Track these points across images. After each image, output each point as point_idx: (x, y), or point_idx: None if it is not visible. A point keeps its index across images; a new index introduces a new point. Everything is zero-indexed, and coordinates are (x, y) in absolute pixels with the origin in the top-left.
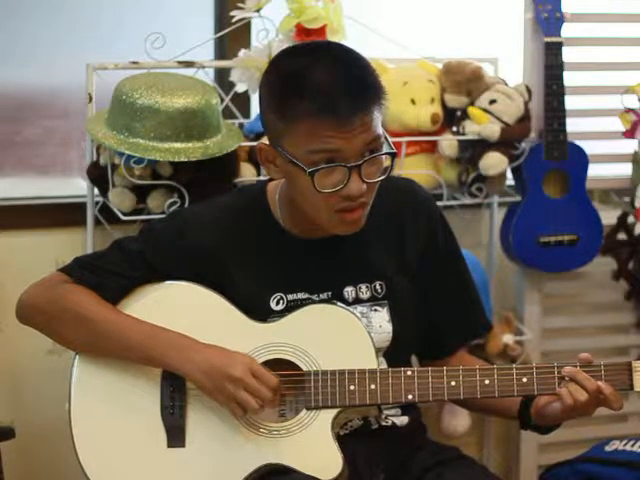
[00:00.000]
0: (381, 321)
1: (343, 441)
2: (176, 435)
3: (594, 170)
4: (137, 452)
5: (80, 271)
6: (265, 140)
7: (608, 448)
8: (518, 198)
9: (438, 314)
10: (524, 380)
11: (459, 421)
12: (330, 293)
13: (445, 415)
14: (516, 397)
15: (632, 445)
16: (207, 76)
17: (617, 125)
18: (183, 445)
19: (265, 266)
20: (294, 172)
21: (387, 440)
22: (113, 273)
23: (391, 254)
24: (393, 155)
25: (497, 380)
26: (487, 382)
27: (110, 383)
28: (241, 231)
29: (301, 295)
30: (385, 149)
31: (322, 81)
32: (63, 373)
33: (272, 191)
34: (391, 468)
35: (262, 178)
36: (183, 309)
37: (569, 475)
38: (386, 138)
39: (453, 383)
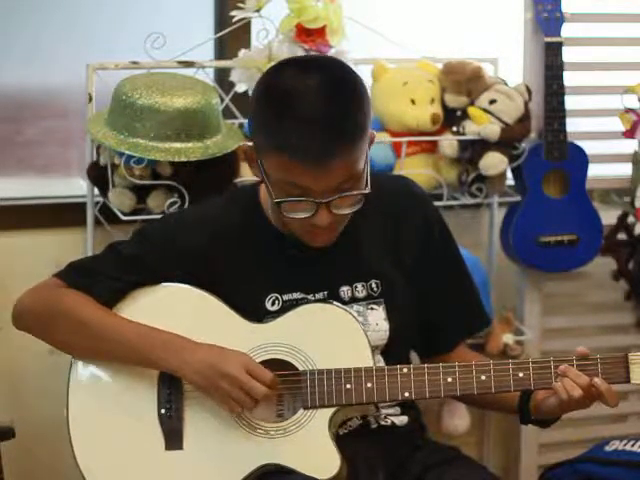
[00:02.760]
0: (378, 319)
1: (342, 441)
2: (174, 437)
3: (594, 170)
4: (135, 455)
5: (74, 275)
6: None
7: (608, 448)
8: (518, 198)
9: (437, 310)
10: (520, 375)
11: (459, 421)
12: (326, 292)
13: (445, 415)
14: (514, 392)
15: (632, 445)
16: (207, 76)
17: (617, 125)
18: (181, 447)
19: (260, 266)
20: (266, 184)
21: (386, 440)
22: (108, 276)
23: (387, 252)
24: (366, 195)
25: (494, 376)
26: (484, 378)
27: (107, 386)
28: (235, 232)
29: (296, 295)
30: (363, 182)
31: (304, 117)
32: (63, 373)
33: (264, 192)
34: (390, 468)
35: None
36: (178, 311)
37: (569, 475)
38: (365, 171)
39: (449, 380)
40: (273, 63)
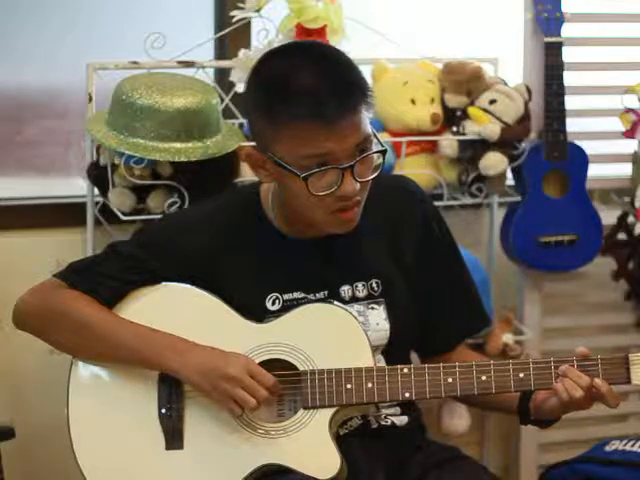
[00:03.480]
0: (378, 319)
1: (343, 441)
2: (174, 437)
3: (594, 170)
4: (135, 455)
5: (75, 276)
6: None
7: (608, 448)
8: (518, 198)
9: (437, 310)
10: (521, 376)
11: (459, 421)
12: (326, 292)
13: (445, 415)
14: (514, 393)
15: (632, 445)
16: (207, 76)
17: (617, 125)
18: (181, 447)
19: (260, 266)
20: (286, 176)
21: (387, 440)
22: (108, 277)
23: (387, 252)
24: (384, 152)
25: (494, 376)
26: (484, 378)
27: (107, 386)
28: (235, 232)
29: (297, 295)
30: (375, 147)
31: (307, 84)
32: (63, 373)
33: (265, 191)
34: (391, 468)
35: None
36: (179, 311)
37: (569, 475)
38: (375, 136)
39: (450, 380)
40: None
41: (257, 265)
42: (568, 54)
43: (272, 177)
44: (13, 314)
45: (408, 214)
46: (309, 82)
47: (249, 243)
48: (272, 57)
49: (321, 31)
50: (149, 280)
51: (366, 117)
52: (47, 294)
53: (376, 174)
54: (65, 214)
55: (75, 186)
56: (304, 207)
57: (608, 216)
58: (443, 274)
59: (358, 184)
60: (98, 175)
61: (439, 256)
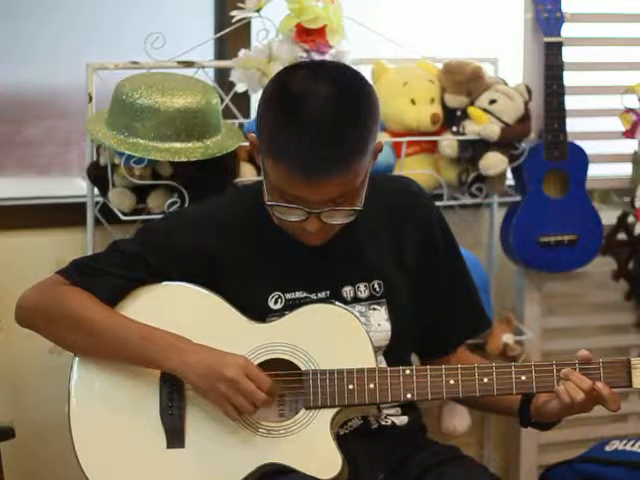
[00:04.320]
0: (380, 320)
1: (343, 441)
2: (175, 436)
3: (594, 170)
4: (136, 453)
5: (77, 273)
6: None
7: (608, 448)
8: (518, 198)
9: (438, 312)
10: (523, 378)
11: (459, 421)
12: (328, 292)
13: (445, 415)
14: (515, 395)
15: (632, 445)
16: (207, 76)
17: (617, 125)
18: (182, 446)
19: (263, 265)
20: (263, 181)
21: (387, 440)
22: (110, 274)
23: (389, 253)
24: (356, 211)
25: (496, 378)
26: (486, 380)
27: (109, 384)
28: (238, 230)
29: (299, 294)
30: (358, 197)
31: (303, 132)
32: (63, 373)
33: None
34: (391, 468)
35: (261, 178)
36: (181, 310)
37: (569, 475)
38: (362, 186)
39: (452, 382)
40: (273, 63)
41: (260, 264)
42: (568, 54)
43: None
44: (15, 310)
45: (411, 216)
46: (308, 130)
47: (251, 242)
48: (297, 76)
49: (321, 31)
50: (151, 278)
51: (361, 167)
52: (49, 291)
53: (349, 220)
54: (65, 214)
55: (75, 186)
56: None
57: (608, 216)
58: (445, 276)
59: (323, 224)
60: (98, 175)
61: (441, 258)
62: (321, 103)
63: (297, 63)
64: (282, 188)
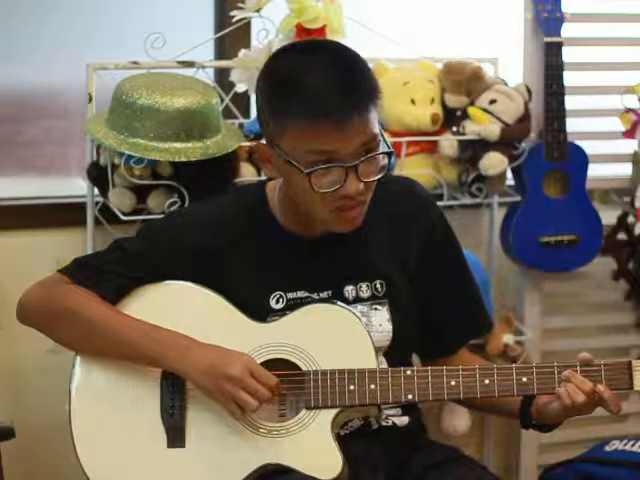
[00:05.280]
0: (381, 320)
1: (343, 441)
2: (176, 435)
3: (594, 170)
4: (137, 452)
5: (79, 272)
6: (263, 140)
7: (608, 448)
8: (518, 198)
9: (439, 313)
10: (524, 380)
11: (459, 421)
12: (330, 292)
13: (445, 415)
14: (516, 397)
15: (632, 445)
16: (207, 76)
17: (617, 125)
18: (183, 445)
19: (265, 264)
20: (290, 171)
21: (387, 440)
22: (112, 273)
23: (391, 253)
24: (390, 154)
25: (497, 380)
26: (487, 382)
27: (110, 383)
28: (240, 230)
29: (301, 294)
30: (382, 148)
31: (317, 82)
32: (63, 373)
33: (271, 190)
34: (391, 468)
35: (262, 178)
36: (182, 309)
37: (569, 475)
38: (382, 136)
39: (453, 383)
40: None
41: (261, 263)
42: (568, 54)
43: (277, 172)
44: (17, 309)
45: (414, 216)
46: (318, 80)
47: (253, 241)
48: (286, 52)
49: (321, 31)
50: (153, 277)
51: (374, 117)
52: (51, 289)
53: (381, 175)
54: (65, 214)
55: (75, 186)
56: (307, 204)
57: (608, 216)
58: (447, 277)
59: (362, 184)
60: (98, 175)
61: (443, 259)
62: (324, 61)
63: (282, 46)
64: (312, 150)
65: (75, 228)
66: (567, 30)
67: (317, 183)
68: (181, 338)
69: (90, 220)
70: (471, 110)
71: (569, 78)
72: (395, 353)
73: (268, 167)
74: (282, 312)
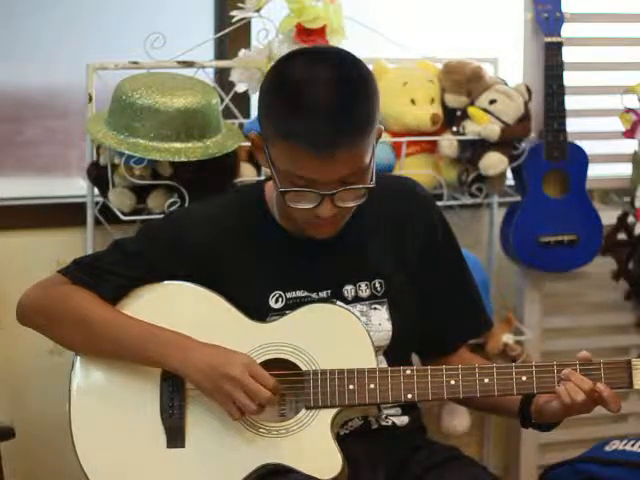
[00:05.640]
0: (381, 319)
1: (343, 441)
2: (176, 435)
3: (594, 170)
4: (137, 452)
5: (79, 272)
6: None
7: (608, 448)
8: (518, 198)
9: (439, 313)
10: (523, 379)
11: (459, 421)
12: (330, 291)
13: (445, 415)
14: (515, 396)
15: (632, 445)
16: (207, 76)
17: (617, 125)
18: (183, 445)
19: (264, 264)
20: (272, 172)
21: (387, 440)
22: (112, 273)
23: (390, 253)
24: (370, 189)
25: (496, 379)
26: (486, 381)
27: (110, 384)
28: (239, 229)
29: (300, 293)
30: (368, 176)
31: (310, 108)
32: (63, 373)
33: (270, 190)
34: (391, 468)
35: (262, 178)
36: (182, 309)
37: (569, 475)
38: (371, 167)
39: (452, 382)
40: (273, 63)
41: (261, 263)
42: (568, 54)
43: (265, 165)
44: (17, 310)
45: (413, 216)
46: (315, 106)
47: (252, 241)
48: (297, 58)
49: (321, 31)
50: (152, 277)
51: (365, 148)
52: (50, 290)
53: (359, 202)
54: (65, 214)
55: (75, 186)
56: (283, 207)
57: (608, 216)
58: (446, 276)
59: (337, 208)
60: (98, 175)
61: (442, 259)
62: (324, 83)
63: (294, 50)
64: (293, 172)
65: (75, 228)
66: (567, 30)
67: (291, 199)
68: (180, 338)
69: (90, 220)
70: (471, 110)
71: (569, 78)
72: (394, 353)
73: (261, 157)
74: (281, 312)
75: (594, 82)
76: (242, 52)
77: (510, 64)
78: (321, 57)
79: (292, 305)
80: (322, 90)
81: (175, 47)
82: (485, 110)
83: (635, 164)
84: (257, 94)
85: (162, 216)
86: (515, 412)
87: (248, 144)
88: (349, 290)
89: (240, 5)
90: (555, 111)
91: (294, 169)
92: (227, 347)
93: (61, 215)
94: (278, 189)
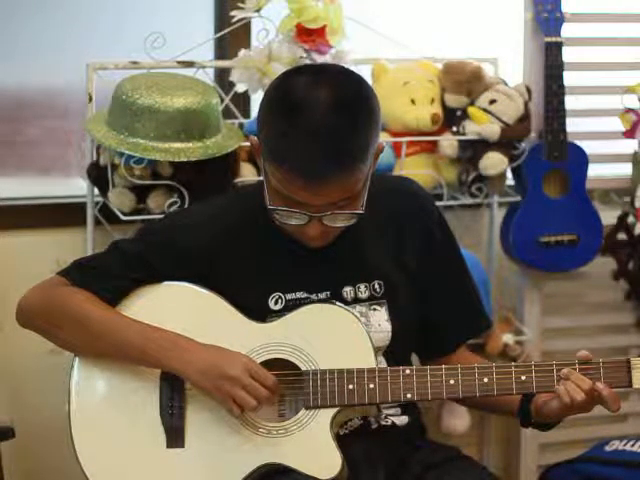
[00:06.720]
0: (380, 320)
1: (343, 441)
2: (175, 436)
3: (594, 170)
4: (136, 453)
5: (78, 273)
6: None
7: (608, 448)
8: (518, 198)
9: (438, 313)
10: (523, 378)
11: (458, 420)
12: (329, 292)
13: (445, 414)
14: (515, 395)
15: (632, 445)
16: (207, 76)
17: (617, 125)
18: (182, 446)
19: (263, 265)
20: (264, 184)
21: (387, 440)
22: (112, 275)
23: (390, 253)
24: (359, 215)
25: (496, 379)
26: (486, 380)
27: (109, 384)
28: (239, 231)
29: (300, 294)
30: (360, 202)
31: (305, 136)
32: (63, 373)
33: None
34: (391, 468)
35: (262, 178)
36: (181, 310)
37: (569, 475)
38: (362, 191)
39: (452, 382)
40: (273, 63)
41: (260, 264)
42: (568, 54)
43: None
44: (16, 312)
45: (412, 216)
46: (310, 133)
47: (252, 242)
48: (299, 79)
49: (321, 31)
50: (152, 278)
51: (359, 175)
52: (50, 292)
53: (349, 224)
54: (65, 214)
55: (75, 186)
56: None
57: (608, 216)
58: (445, 276)
59: (325, 226)
60: (98, 175)
61: (441, 259)
62: (321, 111)
63: (298, 67)
64: (282, 191)
65: (75, 228)
66: (567, 30)
67: (280, 215)
68: (179, 338)
69: (90, 220)
70: (471, 110)
71: (569, 78)
72: (394, 353)
73: (259, 161)
74: (281, 313)
75: (594, 82)
76: (242, 52)
77: (510, 64)
78: (323, 79)
79: (291, 307)
80: (319, 117)
81: (175, 47)
82: (485, 110)
83: (635, 164)
84: (258, 97)
85: (162, 217)
86: (515, 412)
87: (248, 144)
88: (348, 291)
89: (240, 5)
90: (555, 111)
91: (284, 190)
92: (227, 347)
93: (61, 215)
94: (267, 205)
